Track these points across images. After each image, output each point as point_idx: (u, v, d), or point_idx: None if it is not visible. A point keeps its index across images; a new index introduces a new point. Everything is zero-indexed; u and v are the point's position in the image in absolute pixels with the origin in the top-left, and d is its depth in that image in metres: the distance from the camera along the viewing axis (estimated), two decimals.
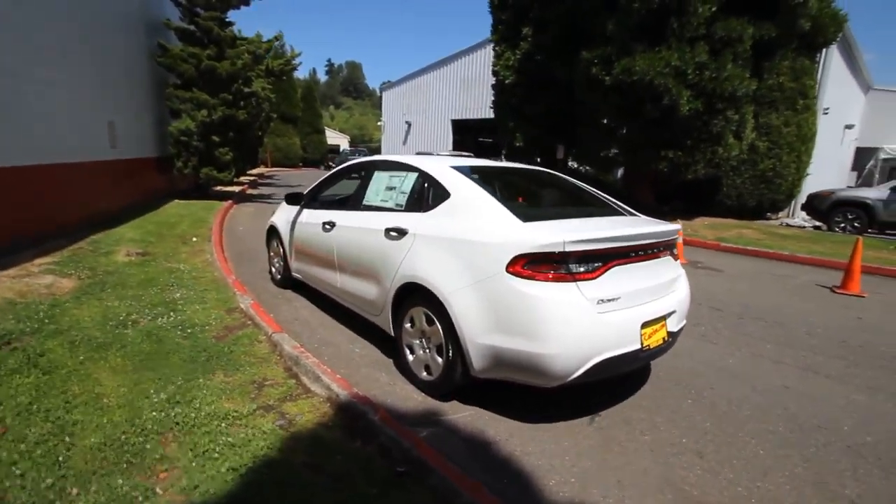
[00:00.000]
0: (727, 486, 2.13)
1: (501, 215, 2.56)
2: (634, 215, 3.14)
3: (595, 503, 1.99)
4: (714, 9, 8.54)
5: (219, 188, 12.83)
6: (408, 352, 2.99)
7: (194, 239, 6.99)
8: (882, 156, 16.77)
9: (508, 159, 14.59)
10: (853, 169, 20.52)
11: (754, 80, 9.19)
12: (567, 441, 2.42)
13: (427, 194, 3.02)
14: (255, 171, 24.07)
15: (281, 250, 4.84)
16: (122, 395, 2.51)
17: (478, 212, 2.67)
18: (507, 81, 12.59)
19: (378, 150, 37.48)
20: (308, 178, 22.62)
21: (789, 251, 7.77)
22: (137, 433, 2.19)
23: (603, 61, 9.35)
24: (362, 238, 3.35)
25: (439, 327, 2.66)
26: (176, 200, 10.81)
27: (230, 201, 11.35)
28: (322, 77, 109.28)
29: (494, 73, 13.13)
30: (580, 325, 2.26)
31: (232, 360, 3.05)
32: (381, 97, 32.37)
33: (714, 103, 9.04)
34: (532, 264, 2.30)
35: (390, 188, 3.37)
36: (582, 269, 2.32)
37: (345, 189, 4.79)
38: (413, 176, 3.20)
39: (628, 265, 2.48)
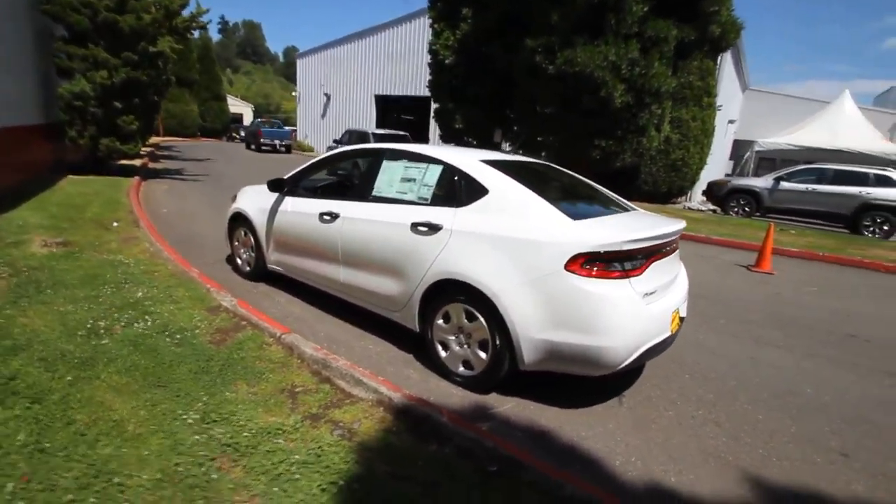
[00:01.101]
0: (750, 450, 2.48)
1: (550, 213, 2.63)
2: (635, 210, 3.40)
3: (662, 479, 2.21)
4: (646, 9, 9.24)
5: (121, 162, 11.16)
6: (440, 348, 2.98)
7: (115, 224, 6.09)
8: (756, 148, 19.65)
9: (445, 141, 14.61)
10: (730, 158, 23.82)
11: (674, 78, 10.19)
12: (610, 423, 2.63)
13: (458, 189, 2.97)
14: (150, 142, 21.24)
15: (251, 240, 4.43)
16: (146, 420, 2.19)
17: (523, 209, 2.70)
18: (446, 62, 12.47)
19: (290, 122, 35.09)
20: (213, 151, 20.56)
21: (704, 233, 8.90)
22: (191, 462, 1.94)
23: (546, 50, 9.69)
24: (380, 232, 3.20)
25: (484, 323, 2.69)
26: (70, 176, 9.24)
27: (137, 178, 9.95)
28: (215, 36, 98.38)
29: (433, 52, 12.91)
30: (634, 318, 2.44)
31: (247, 367, 2.79)
32: (294, 65, 30.12)
33: (642, 98, 9.87)
34: (590, 262, 2.41)
35: (408, 179, 3.24)
36: (631, 266, 2.49)
37: (325, 176, 4.53)
38: (437, 168, 3.12)
39: (661, 260, 2.71)
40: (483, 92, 12.46)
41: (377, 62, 25.11)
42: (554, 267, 2.46)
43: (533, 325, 2.51)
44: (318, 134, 28.51)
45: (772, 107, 22.83)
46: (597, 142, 10.49)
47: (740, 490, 2.18)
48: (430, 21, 13.18)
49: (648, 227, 2.65)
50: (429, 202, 3.07)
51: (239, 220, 4.59)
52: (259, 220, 4.28)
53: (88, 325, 3.06)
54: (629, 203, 3.52)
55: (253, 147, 25.34)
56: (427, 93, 23.37)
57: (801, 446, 2.56)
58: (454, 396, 2.79)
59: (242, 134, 30.23)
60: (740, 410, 2.88)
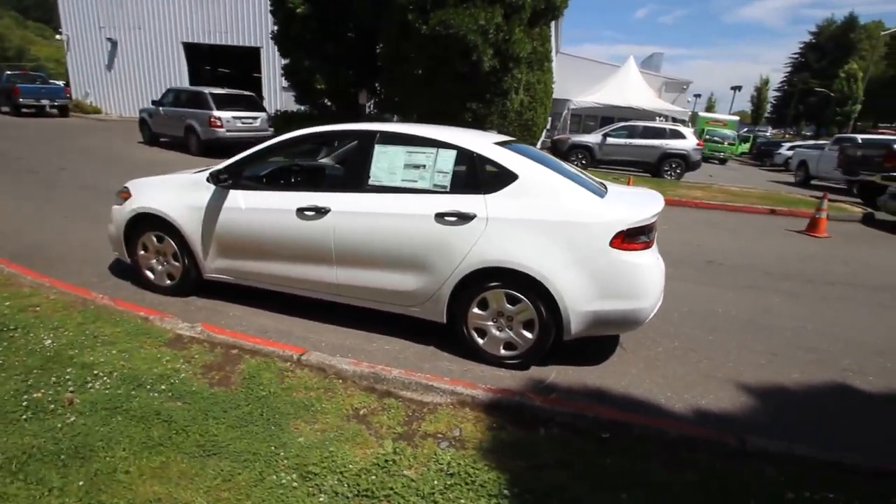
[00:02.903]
0: (724, 366, 3.23)
1: (582, 195, 2.82)
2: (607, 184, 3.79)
3: (700, 404, 2.74)
4: None
5: None
6: (475, 335, 3.00)
7: None
8: (571, 106, 22.85)
9: (301, 102, 13.29)
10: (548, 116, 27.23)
11: (529, 43, 11.07)
12: (633, 370, 3.08)
13: (483, 175, 2.91)
14: None
15: (172, 246, 3.57)
16: (242, 500, 1.75)
17: (554, 192, 2.82)
18: (298, 11, 11.09)
19: (62, 76, 27.06)
20: None
21: None
22: None
23: (418, 9, 9.44)
24: (394, 225, 2.95)
25: (530, 304, 2.80)
26: None
27: None
28: None
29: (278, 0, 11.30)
30: (659, 280, 2.87)
31: (289, 403, 2.39)
32: None
33: (507, 62, 10.52)
34: (629, 237, 2.71)
35: (415, 166, 3.01)
36: (648, 237, 2.86)
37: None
38: (449, 153, 2.97)
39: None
40: (343, 49, 11.59)
41: (180, 2, 20.76)
42: (600, 244, 2.69)
43: (581, 299, 2.74)
44: (104, 91, 22.67)
45: (576, 69, 26.61)
46: (468, 104, 10.89)
47: (741, 394, 2.86)
48: None
49: (653, 202, 3.05)
50: (448, 190, 2.94)
51: (147, 224, 3.61)
52: (190, 221, 3.44)
53: (24, 403, 2.16)
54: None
55: (7, 110, 18.90)
56: (253, 43, 20.76)
57: (748, 355, 3.42)
58: (505, 378, 2.89)
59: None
60: (694, 337, 3.64)
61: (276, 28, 12.30)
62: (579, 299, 2.74)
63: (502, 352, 2.98)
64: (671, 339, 3.55)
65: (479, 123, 11.41)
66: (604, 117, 25.87)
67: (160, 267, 3.72)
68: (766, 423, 2.63)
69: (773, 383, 3.05)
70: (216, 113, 11.58)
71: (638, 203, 2.95)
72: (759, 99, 41.68)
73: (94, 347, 2.72)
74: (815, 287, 5.00)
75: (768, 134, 36.33)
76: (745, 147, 27.36)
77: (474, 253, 2.81)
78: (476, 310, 2.94)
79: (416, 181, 3.01)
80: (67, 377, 2.39)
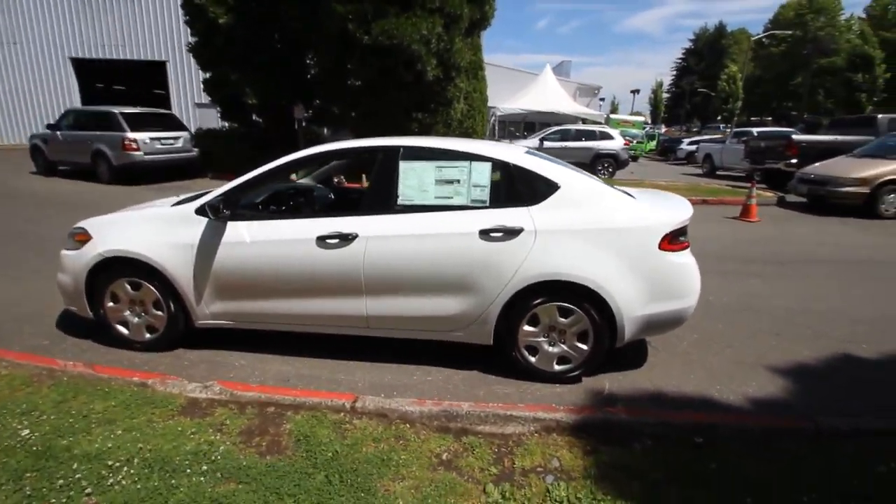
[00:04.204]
0: (748, 350, 3.39)
1: (623, 199, 2.81)
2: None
3: (748, 393, 2.82)
4: None
5: None
6: (527, 353, 2.86)
7: None
8: (498, 114, 23.57)
9: (227, 119, 12.34)
10: None
11: (469, 53, 11.21)
12: (674, 368, 3.13)
13: (522, 186, 2.79)
14: None
15: (154, 293, 3.05)
16: None
17: (599, 198, 2.78)
18: (220, 21, 10.26)
19: None
20: None
21: None
22: None
23: (359, 19, 9.15)
24: (433, 247, 2.73)
25: (584, 315, 2.73)
26: None
27: None
28: None
29: (197, 8, 10.39)
30: (698, 277, 2.93)
31: (362, 461, 2.08)
32: None
33: (449, 71, 10.55)
34: (673, 239, 2.74)
35: (447, 182, 2.82)
36: (685, 237, 2.92)
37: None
38: (484, 166, 2.81)
39: None
40: (274, 61, 10.93)
41: (64, 13, 18.44)
42: (650, 247, 2.68)
43: (635, 304, 2.71)
44: None
45: (497, 77, 27.54)
46: (414, 115, 10.75)
47: (775, 377, 3.00)
48: None
49: (680, 202, 3.12)
50: (488, 204, 2.78)
51: (117, 269, 3.04)
52: (177, 262, 2.94)
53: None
54: None
55: None
56: (156, 56, 18.93)
57: (760, 338, 3.63)
58: (564, 394, 2.78)
59: None
60: (707, 328, 3.80)
61: (193, 40, 11.30)
62: (633, 305, 2.71)
63: (556, 367, 2.87)
64: (690, 332, 3.66)
65: (425, 132, 11.32)
66: (526, 123, 27.08)
67: (136, 319, 3.14)
68: (812, 401, 2.78)
69: (795, 362, 3.24)
70: (131, 135, 10.29)
71: (670, 204, 3.01)
72: (655, 100, 46.21)
73: (90, 431, 2.19)
74: (777, 268, 5.49)
75: (662, 132, 40.29)
76: (653, 144, 30.04)
77: (525, 268, 2.68)
78: (527, 327, 2.81)
79: (451, 197, 2.82)
80: (77, 476, 1.89)
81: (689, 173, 18.44)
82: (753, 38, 43.50)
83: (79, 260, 3.08)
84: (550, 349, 2.84)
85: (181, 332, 3.15)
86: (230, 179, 3.03)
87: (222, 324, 3.11)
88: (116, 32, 18.52)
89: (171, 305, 3.05)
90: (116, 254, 2.99)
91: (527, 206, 2.76)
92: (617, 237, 2.69)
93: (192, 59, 12.48)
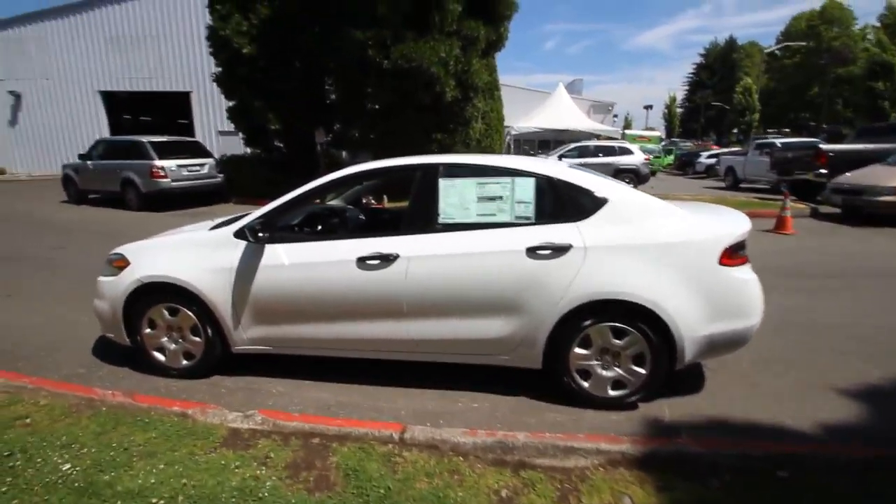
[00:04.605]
0: (815, 372, 3.16)
1: (677, 213, 2.67)
2: None
3: (822, 419, 2.60)
4: (461, 9, 9.87)
5: None
6: (579, 377, 2.70)
7: None
8: (513, 132, 23.69)
9: (251, 145, 12.58)
10: None
11: (486, 73, 11.31)
12: (737, 392, 2.92)
13: (567, 202, 2.68)
14: None
15: (192, 318, 2.99)
16: None
17: (650, 212, 2.65)
18: (244, 51, 10.56)
19: None
20: None
21: None
22: None
23: (378, 44, 9.31)
24: (478, 266, 2.62)
25: (640, 337, 2.57)
26: None
27: None
28: None
29: (223, 39, 10.71)
30: (762, 294, 2.75)
31: (416, 499, 1.94)
32: None
33: (468, 92, 10.64)
34: (733, 253, 2.58)
35: (490, 198, 2.73)
36: (744, 251, 2.76)
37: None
38: (527, 181, 2.72)
39: None
40: (294, 86, 11.15)
41: (95, 49, 19.29)
42: (709, 263, 2.53)
43: (696, 323, 2.55)
44: (8, 149, 20.29)
45: (509, 96, 27.80)
46: (434, 135, 10.81)
47: (847, 401, 2.78)
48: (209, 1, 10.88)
49: (734, 214, 2.97)
50: (533, 221, 2.68)
51: (155, 295, 3.00)
52: (215, 286, 2.89)
53: None
54: None
55: None
56: (182, 87, 19.58)
57: (821, 358, 3.40)
58: (621, 421, 2.60)
59: None
60: (764, 347, 3.57)
61: (217, 70, 11.63)
62: (694, 324, 2.54)
63: (611, 392, 2.70)
64: (746, 352, 3.39)
65: (444, 152, 11.36)
66: (541, 141, 27.13)
67: (173, 346, 3.08)
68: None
69: (866, 384, 3.00)
70: (158, 162, 10.54)
71: (726, 217, 2.87)
72: (670, 115, 46.09)
73: (132, 465, 2.09)
74: (821, 281, 5.23)
75: (686, 145, 39.64)
76: (670, 159, 29.74)
77: (576, 287, 2.55)
78: (578, 349, 2.65)
79: (494, 214, 2.72)
80: None
81: (711, 187, 18.11)
82: (766, 51, 43.34)
83: (116, 286, 3.05)
84: (604, 373, 2.67)
85: (218, 359, 3.08)
86: (254, 204, 3.00)
87: (260, 349, 3.02)
88: (144, 66, 19.26)
89: (209, 331, 2.98)
90: (155, 279, 2.95)
91: (574, 221, 2.64)
92: (673, 252, 2.54)
93: (216, 89, 12.87)
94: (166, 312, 3.02)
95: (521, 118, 24.93)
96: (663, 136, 37.44)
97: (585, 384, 2.70)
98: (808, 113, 45.29)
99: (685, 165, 28.46)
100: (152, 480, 1.98)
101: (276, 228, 2.93)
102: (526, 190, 2.72)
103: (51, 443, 2.22)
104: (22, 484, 1.93)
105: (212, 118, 19.35)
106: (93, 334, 3.60)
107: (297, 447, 2.25)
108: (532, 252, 2.59)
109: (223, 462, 2.12)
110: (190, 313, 2.97)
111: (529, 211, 2.69)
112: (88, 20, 18.80)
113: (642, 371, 2.63)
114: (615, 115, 37.07)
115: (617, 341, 2.61)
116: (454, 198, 2.77)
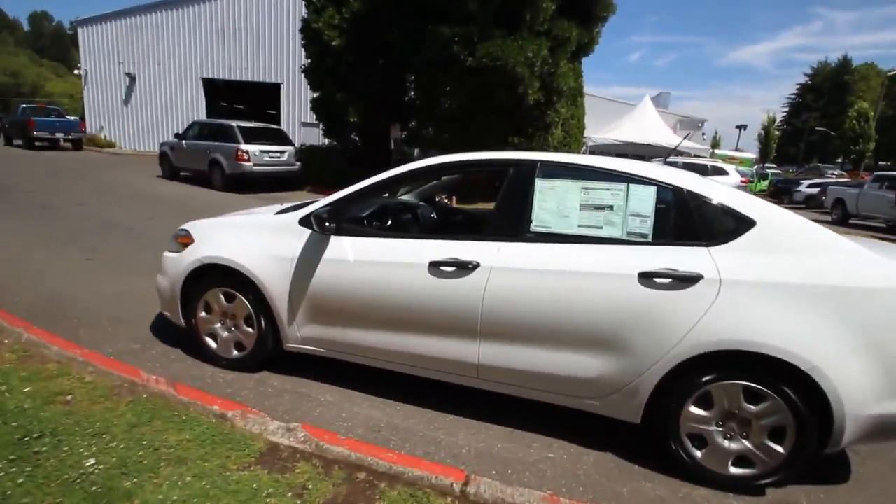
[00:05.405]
0: None
1: (853, 248, 2.03)
2: None
3: None
4: (554, 7, 9.33)
5: None
6: (689, 444, 2.13)
7: None
8: (589, 143, 22.58)
9: (329, 136, 12.80)
10: None
11: (573, 77, 10.67)
12: (852, 489, 2.20)
13: (698, 221, 2.13)
14: None
15: (247, 307, 2.76)
16: None
17: (816, 243, 2.04)
18: (333, 44, 10.72)
19: (75, 111, 27.09)
20: None
21: None
22: None
23: (465, 41, 9.01)
24: (576, 287, 2.14)
25: (783, 405, 1.96)
26: None
27: None
28: None
29: (314, 32, 10.96)
30: None
31: None
32: (75, 34, 22.97)
33: (551, 96, 10.06)
34: None
35: (597, 207, 2.24)
36: None
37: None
38: (648, 191, 2.19)
39: None
40: (376, 81, 11.16)
41: (200, 39, 20.80)
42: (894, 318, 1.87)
43: (866, 397, 1.89)
44: (119, 125, 22.44)
45: (591, 106, 26.60)
46: (510, 139, 10.34)
47: None
48: None
49: None
50: (650, 240, 2.15)
51: (213, 278, 2.80)
52: (274, 275, 2.63)
53: None
54: None
55: (20, 143, 18.53)
56: (274, 79, 20.61)
57: None
58: None
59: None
60: None
61: (307, 62, 11.93)
62: (863, 398, 1.89)
63: (731, 470, 2.10)
64: None
65: None
66: (618, 154, 25.73)
67: (225, 333, 2.88)
68: None
69: None
70: (243, 146, 10.95)
71: None
72: (767, 137, 42.13)
73: (157, 471, 1.84)
74: None
75: (757, 170, 35.69)
76: (765, 185, 27.00)
77: (701, 329, 1.99)
78: (694, 408, 2.09)
79: (600, 227, 2.22)
80: None
81: (815, 220, 16.06)
82: (889, 74, 38.23)
83: (178, 263, 2.90)
84: (726, 444, 2.08)
85: (269, 354, 2.83)
86: (325, 193, 2.72)
87: (310, 350, 2.74)
88: (243, 57, 20.48)
89: (263, 323, 2.74)
90: (215, 261, 2.75)
91: (706, 245, 2.08)
92: (847, 299, 1.91)
93: (303, 83, 13.29)
94: (223, 297, 2.82)
95: (599, 129, 23.77)
96: (757, 159, 34.19)
97: (698, 454, 2.12)
98: None
99: (781, 193, 25.68)
100: (174, 497, 1.70)
101: (344, 219, 2.62)
102: (644, 201, 2.19)
103: (83, 428, 2.04)
104: (40, 477, 1.73)
105: (297, 110, 20.18)
106: (155, 309, 3.53)
107: (340, 480, 1.89)
108: (647, 278, 2.06)
109: (255, 486, 1.81)
110: (245, 301, 2.75)
111: (647, 227, 2.17)
112: (198, 12, 20.30)
113: (779, 449, 2.01)
114: (704, 133, 34.42)
115: (750, 406, 2.01)
116: (552, 202, 2.30)
